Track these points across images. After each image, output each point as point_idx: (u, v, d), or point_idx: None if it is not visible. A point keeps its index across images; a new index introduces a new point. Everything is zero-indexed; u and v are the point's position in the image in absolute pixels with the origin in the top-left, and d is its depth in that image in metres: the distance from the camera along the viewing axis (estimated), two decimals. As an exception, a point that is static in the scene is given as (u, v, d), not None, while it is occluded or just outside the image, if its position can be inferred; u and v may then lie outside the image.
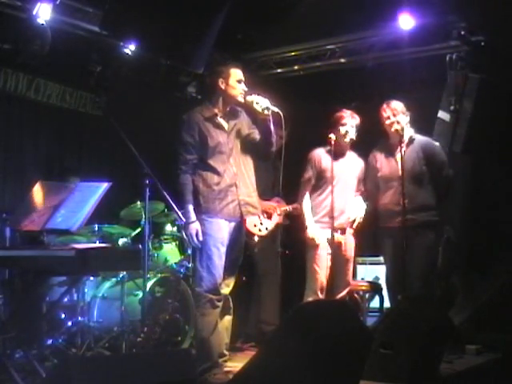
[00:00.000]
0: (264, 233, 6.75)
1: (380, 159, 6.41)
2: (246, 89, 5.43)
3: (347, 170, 6.32)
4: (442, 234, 6.87)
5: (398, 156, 6.18)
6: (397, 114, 6.23)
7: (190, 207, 5.33)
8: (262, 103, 5.32)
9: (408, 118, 6.29)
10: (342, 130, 6.27)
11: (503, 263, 6.74)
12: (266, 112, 5.31)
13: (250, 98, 5.39)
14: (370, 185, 6.44)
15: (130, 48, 7.20)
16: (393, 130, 6.22)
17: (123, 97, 7.52)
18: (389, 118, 6.25)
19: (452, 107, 7.16)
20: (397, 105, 6.29)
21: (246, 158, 5.57)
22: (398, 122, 6.21)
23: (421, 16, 7.15)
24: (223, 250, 5.35)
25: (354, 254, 6.37)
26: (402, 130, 6.21)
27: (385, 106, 6.30)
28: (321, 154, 6.39)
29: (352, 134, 6.30)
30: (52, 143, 7.48)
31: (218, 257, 5.31)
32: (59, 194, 5.19)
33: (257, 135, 5.54)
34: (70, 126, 7.66)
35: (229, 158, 5.43)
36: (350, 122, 6.28)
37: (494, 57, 7.04)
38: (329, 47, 8.01)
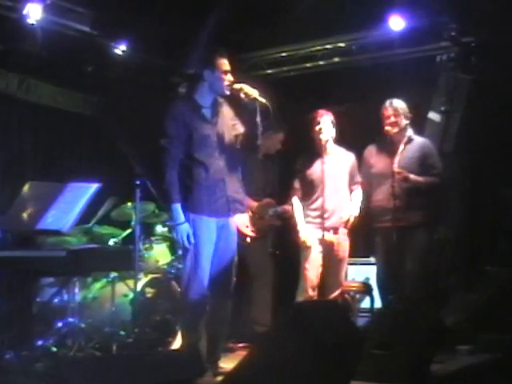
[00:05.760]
0: (256, 233, 6.75)
1: (375, 155, 6.38)
2: (231, 79, 5.29)
3: (336, 167, 6.30)
4: (436, 234, 6.88)
5: (395, 154, 6.17)
6: (398, 115, 6.23)
7: (178, 207, 5.13)
8: (249, 92, 5.23)
9: (408, 120, 6.28)
10: (317, 128, 6.27)
11: (498, 263, 6.74)
12: (253, 102, 5.22)
13: (237, 86, 5.27)
14: (362, 181, 6.43)
15: (122, 48, 7.20)
16: (392, 130, 6.22)
17: (115, 97, 7.51)
18: (389, 117, 6.24)
19: (442, 108, 7.18)
20: (399, 105, 6.27)
21: (231, 151, 5.38)
22: (397, 123, 6.21)
23: (411, 17, 7.17)
24: (211, 250, 5.22)
25: (347, 255, 6.37)
26: (401, 130, 6.22)
27: (387, 105, 6.28)
28: (304, 159, 6.39)
29: (328, 131, 6.29)
30: (43, 144, 7.47)
31: (206, 258, 5.18)
32: (50, 195, 5.18)
33: (240, 128, 5.41)
34: (61, 126, 7.65)
35: (215, 151, 5.27)
36: (323, 120, 6.28)
37: (484, 58, 7.06)
38: (320, 48, 8.01)
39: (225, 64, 5.30)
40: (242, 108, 5.38)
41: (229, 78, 5.30)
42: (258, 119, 5.23)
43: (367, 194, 6.38)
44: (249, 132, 5.33)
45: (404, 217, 6.09)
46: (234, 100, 5.41)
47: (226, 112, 5.45)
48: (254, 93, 5.23)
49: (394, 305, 5.44)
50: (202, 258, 5.18)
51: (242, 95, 5.25)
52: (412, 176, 6.10)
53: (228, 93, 5.32)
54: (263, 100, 5.24)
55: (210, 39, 7.02)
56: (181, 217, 5.14)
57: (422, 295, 6.13)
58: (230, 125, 5.41)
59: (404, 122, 6.24)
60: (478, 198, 7.29)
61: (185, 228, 5.15)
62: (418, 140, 6.34)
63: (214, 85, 5.30)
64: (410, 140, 6.28)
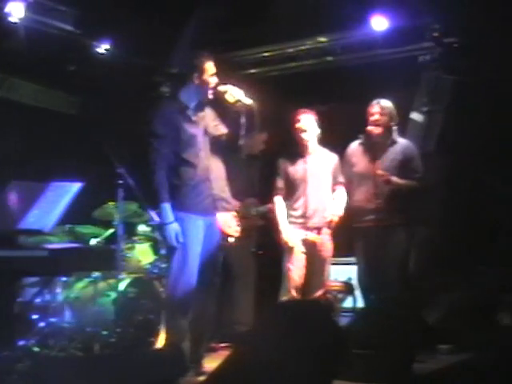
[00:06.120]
0: (238, 233, 6.75)
1: (357, 154, 6.36)
2: (217, 81, 5.38)
3: (318, 167, 6.32)
4: (416, 234, 6.90)
5: (377, 155, 6.17)
6: (384, 115, 6.21)
7: (168, 206, 5.17)
8: (235, 94, 5.34)
9: (395, 121, 6.27)
10: (300, 127, 6.28)
11: (478, 263, 6.77)
12: (238, 104, 5.32)
13: (223, 89, 5.38)
14: (344, 179, 6.42)
15: (104, 47, 7.17)
16: (376, 130, 6.20)
17: (97, 96, 7.49)
18: (374, 115, 6.21)
19: (425, 108, 7.20)
20: (386, 105, 6.25)
21: (215, 152, 5.50)
22: (382, 123, 6.20)
23: (394, 17, 7.19)
24: (199, 249, 5.25)
25: (331, 255, 6.37)
26: (386, 131, 6.22)
27: (374, 103, 6.26)
28: (287, 159, 6.39)
29: (311, 131, 6.30)
30: (25, 143, 7.43)
31: (194, 257, 5.21)
32: (32, 194, 5.15)
33: (222, 128, 5.50)
34: (43, 125, 7.60)
35: (200, 151, 5.34)
36: (305, 119, 6.29)
37: (466, 58, 7.09)
38: (303, 48, 8.02)
39: (211, 66, 5.37)
40: (228, 109, 5.45)
41: (214, 80, 5.36)
42: (243, 120, 5.32)
43: (348, 193, 6.38)
44: (232, 133, 5.42)
45: (384, 217, 6.09)
46: (220, 101, 5.47)
47: (211, 113, 5.52)
48: (239, 94, 5.33)
49: (376, 305, 5.46)
50: (190, 256, 5.20)
51: (228, 96, 5.35)
52: (394, 178, 6.10)
53: (213, 94, 5.39)
54: (248, 101, 5.33)
55: (194, 39, 7.01)
56: (170, 216, 5.18)
57: (403, 295, 6.15)
58: (213, 125, 5.48)
59: (389, 123, 6.22)
60: (460, 197, 7.31)
61: (174, 227, 5.18)
62: (402, 142, 6.31)
63: (201, 87, 5.36)
64: (393, 142, 6.26)
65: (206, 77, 5.33)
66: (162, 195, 5.18)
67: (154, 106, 5.40)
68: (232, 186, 5.68)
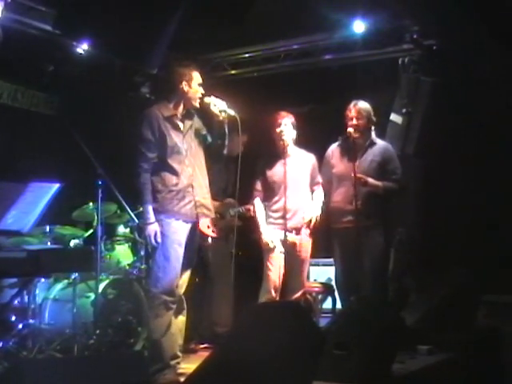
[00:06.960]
0: (217, 234, 6.75)
1: (336, 156, 6.42)
2: (203, 92, 5.57)
3: (297, 168, 6.34)
4: (394, 235, 6.92)
5: (355, 156, 6.19)
6: (361, 117, 6.24)
7: (150, 208, 5.37)
8: (219, 105, 5.51)
9: (373, 122, 6.30)
10: (278, 130, 6.31)
11: (456, 264, 6.81)
12: (222, 115, 5.50)
13: (207, 100, 5.56)
14: (323, 180, 6.46)
15: (84, 47, 7.14)
16: (355, 132, 6.22)
17: (77, 97, 7.46)
18: (352, 119, 6.25)
19: (404, 110, 7.23)
20: (363, 106, 6.29)
21: (199, 159, 5.65)
22: (359, 124, 6.22)
23: (374, 19, 7.21)
24: (181, 251, 5.40)
25: (309, 255, 6.39)
26: (364, 132, 6.24)
27: (351, 106, 6.29)
28: (265, 161, 6.42)
29: (289, 133, 6.33)
30: (3, 143, 7.37)
31: (175, 258, 5.36)
32: (10, 195, 5.11)
33: (208, 138, 5.70)
34: (22, 125, 7.55)
35: (185, 158, 5.48)
36: (283, 122, 6.32)
37: (445, 60, 7.12)
38: (283, 49, 8.03)
39: (199, 78, 5.57)
40: (212, 119, 5.63)
41: (201, 90, 5.57)
42: (226, 130, 5.58)
43: (327, 195, 6.41)
44: (217, 143, 5.65)
45: (362, 219, 6.11)
46: (204, 111, 5.65)
47: (196, 122, 5.70)
48: (223, 105, 5.53)
49: (354, 306, 5.47)
50: (172, 257, 5.37)
51: (212, 107, 5.53)
52: (371, 180, 6.13)
53: (199, 104, 5.58)
54: (232, 112, 5.54)
55: (175, 40, 7.01)
56: (151, 217, 5.38)
57: (382, 296, 6.18)
58: (199, 134, 5.67)
59: (367, 124, 6.27)
60: (438, 199, 7.35)
61: (153, 227, 5.37)
62: (380, 144, 6.36)
63: (188, 96, 5.55)
64: (372, 143, 6.31)
65: (194, 86, 5.52)
66: (145, 197, 5.38)
67: (135, 107, 5.48)
68: (210, 187, 5.75)
